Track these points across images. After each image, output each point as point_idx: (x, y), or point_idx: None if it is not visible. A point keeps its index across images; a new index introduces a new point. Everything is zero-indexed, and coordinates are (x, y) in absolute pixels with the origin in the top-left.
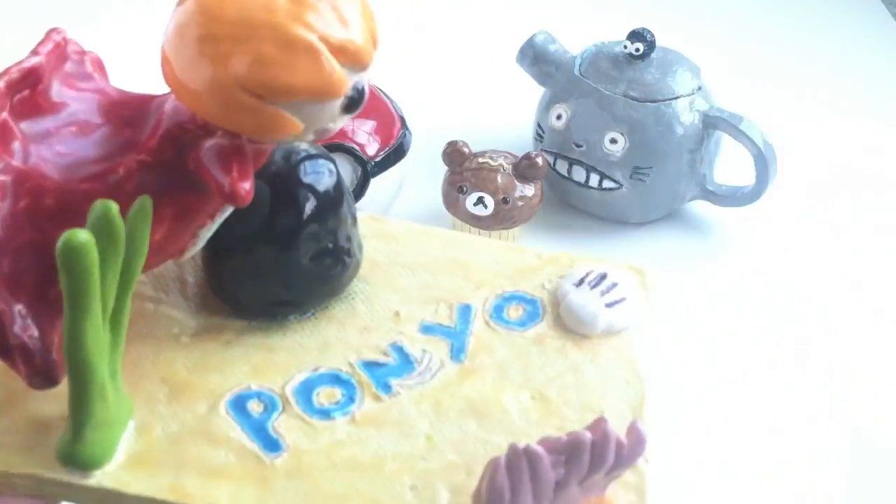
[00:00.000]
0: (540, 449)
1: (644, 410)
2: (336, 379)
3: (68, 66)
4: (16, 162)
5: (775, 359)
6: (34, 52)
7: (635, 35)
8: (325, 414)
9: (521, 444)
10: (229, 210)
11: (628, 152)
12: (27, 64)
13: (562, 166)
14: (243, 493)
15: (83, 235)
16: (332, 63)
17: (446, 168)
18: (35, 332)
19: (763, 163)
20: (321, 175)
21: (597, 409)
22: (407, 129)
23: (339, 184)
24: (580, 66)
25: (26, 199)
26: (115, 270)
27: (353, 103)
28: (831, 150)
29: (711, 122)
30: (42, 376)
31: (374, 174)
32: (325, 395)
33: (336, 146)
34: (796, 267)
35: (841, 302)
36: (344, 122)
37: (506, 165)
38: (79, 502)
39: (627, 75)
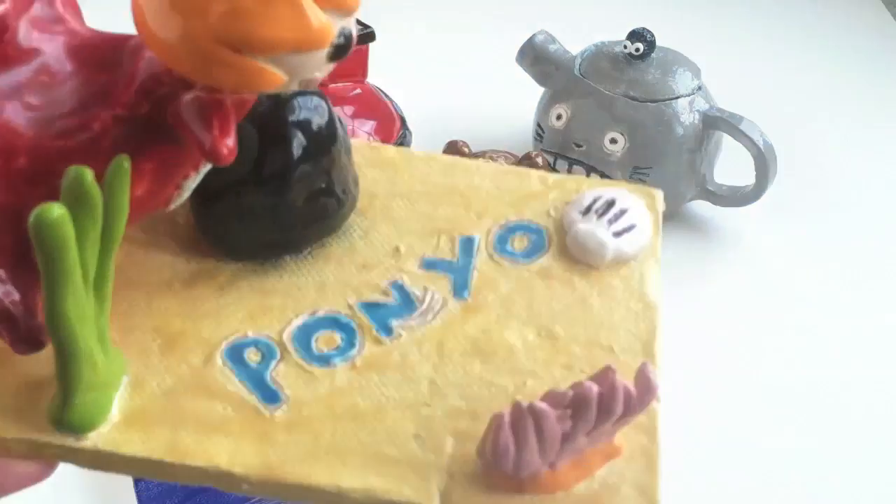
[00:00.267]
0: (545, 406)
1: (655, 345)
2: (335, 322)
3: (36, 9)
4: None
5: (775, 358)
6: None
7: (635, 35)
8: (324, 360)
9: (526, 403)
10: None
11: (628, 152)
12: None
13: (562, 166)
14: (243, 450)
15: (56, 210)
16: (314, 11)
17: None
18: (17, 297)
19: (763, 163)
20: (311, 112)
21: (605, 346)
22: (407, 128)
23: (331, 120)
24: (580, 65)
25: None
26: (95, 237)
27: (340, 51)
28: (831, 150)
29: (711, 122)
30: (27, 342)
31: None
32: (325, 341)
33: None
34: (796, 267)
35: (841, 302)
36: (331, 69)
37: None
38: (76, 464)
39: (627, 75)
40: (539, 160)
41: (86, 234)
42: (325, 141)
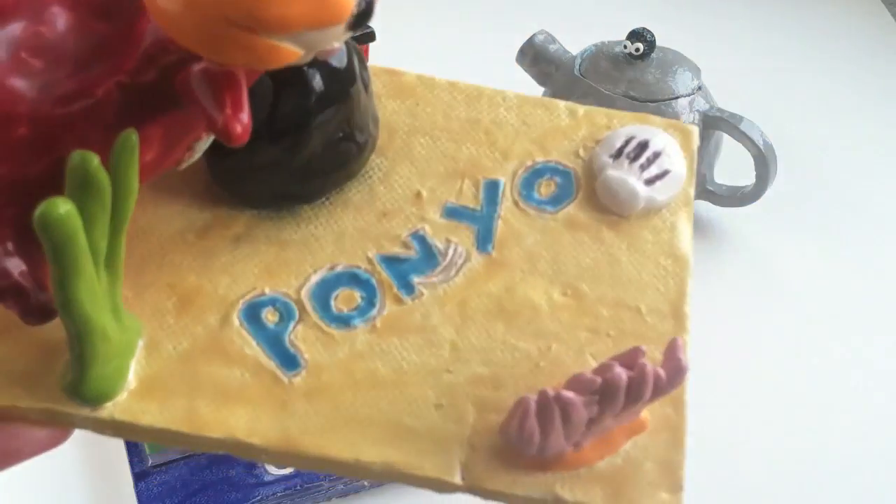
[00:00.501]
0: (572, 396)
1: (684, 306)
2: (354, 278)
3: None
4: None
5: (775, 358)
6: None
7: (635, 35)
8: (344, 322)
9: (552, 392)
10: None
11: None
12: None
13: None
14: (261, 419)
15: (62, 207)
16: None
17: None
18: (24, 268)
19: (763, 163)
20: (329, 55)
21: (632, 306)
22: None
23: (349, 57)
24: (580, 65)
25: None
26: (104, 221)
27: (361, 18)
28: (831, 150)
29: (711, 122)
30: (37, 314)
31: None
32: (344, 299)
33: None
34: (796, 266)
35: (842, 301)
36: (349, 36)
37: None
38: (93, 431)
39: (627, 75)
40: None
41: (94, 220)
42: (345, 82)
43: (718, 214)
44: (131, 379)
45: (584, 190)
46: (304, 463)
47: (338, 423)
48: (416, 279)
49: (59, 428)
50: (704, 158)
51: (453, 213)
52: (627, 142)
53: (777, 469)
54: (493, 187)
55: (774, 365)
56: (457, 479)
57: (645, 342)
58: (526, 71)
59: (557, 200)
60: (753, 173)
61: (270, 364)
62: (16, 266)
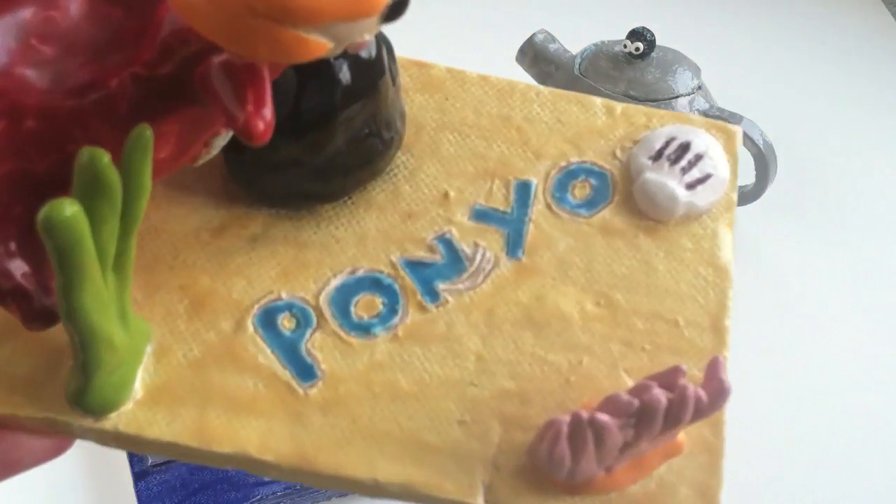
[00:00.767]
0: (607, 419)
1: (725, 320)
2: (376, 284)
3: None
4: None
5: (775, 358)
6: None
7: (635, 34)
8: (364, 329)
9: (586, 415)
10: None
11: None
12: None
13: None
14: (275, 433)
15: (68, 208)
16: None
17: None
18: (28, 270)
19: (763, 163)
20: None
21: (669, 319)
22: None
23: (379, 50)
24: (580, 65)
25: (4, 121)
26: (113, 222)
27: (396, 9)
28: (831, 150)
29: None
30: (40, 319)
31: None
32: (364, 306)
33: None
34: (796, 266)
35: (842, 301)
36: (383, 27)
37: None
38: (96, 442)
39: (627, 75)
40: None
41: (103, 221)
42: (373, 76)
43: None
44: (138, 388)
45: (620, 193)
46: (318, 480)
47: (355, 439)
48: (440, 285)
49: (61, 438)
50: None
51: (482, 215)
52: (668, 143)
53: (777, 467)
54: (524, 189)
55: (774, 365)
56: (479, 501)
57: (682, 357)
58: (526, 70)
59: (592, 204)
60: (753, 173)
61: (285, 374)
62: (18, 268)
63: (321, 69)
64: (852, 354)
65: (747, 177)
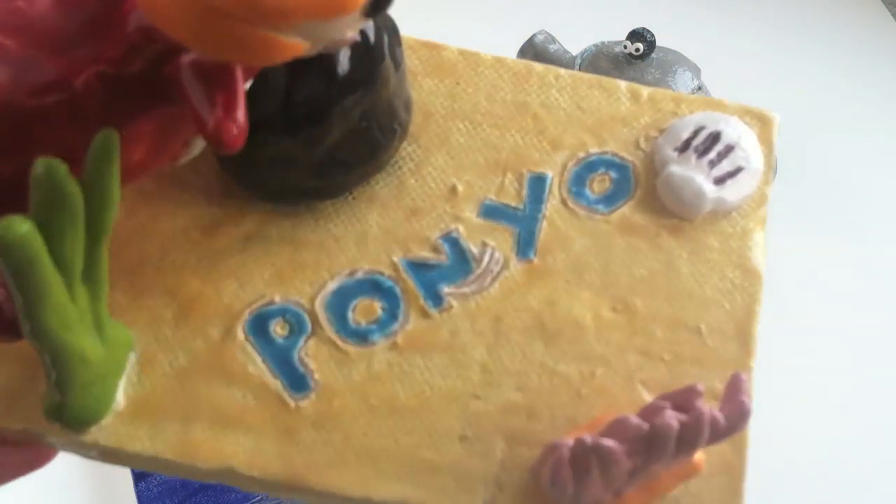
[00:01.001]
0: (613, 445)
1: (753, 328)
2: (376, 286)
3: None
4: None
5: (775, 358)
6: None
7: (635, 35)
8: (361, 337)
9: (590, 439)
10: None
11: None
12: None
13: None
14: (263, 449)
15: (21, 227)
16: None
17: None
18: None
19: None
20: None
21: (692, 326)
22: None
23: (378, 34)
24: (580, 65)
25: None
26: (76, 234)
27: (380, 3)
28: (831, 150)
29: None
30: (12, 331)
31: None
32: (363, 311)
33: None
34: (796, 266)
35: (842, 301)
36: (365, 24)
37: None
38: (78, 454)
39: (627, 75)
40: None
41: (64, 234)
42: (372, 62)
43: None
44: (120, 399)
45: (642, 188)
46: (308, 497)
47: (348, 456)
48: (445, 289)
49: (40, 449)
50: None
51: (492, 211)
52: (696, 133)
53: (778, 470)
54: (538, 183)
55: (774, 364)
56: None
57: (703, 368)
58: None
59: (612, 199)
60: None
61: (276, 385)
62: None
63: (313, 59)
64: (850, 352)
65: None
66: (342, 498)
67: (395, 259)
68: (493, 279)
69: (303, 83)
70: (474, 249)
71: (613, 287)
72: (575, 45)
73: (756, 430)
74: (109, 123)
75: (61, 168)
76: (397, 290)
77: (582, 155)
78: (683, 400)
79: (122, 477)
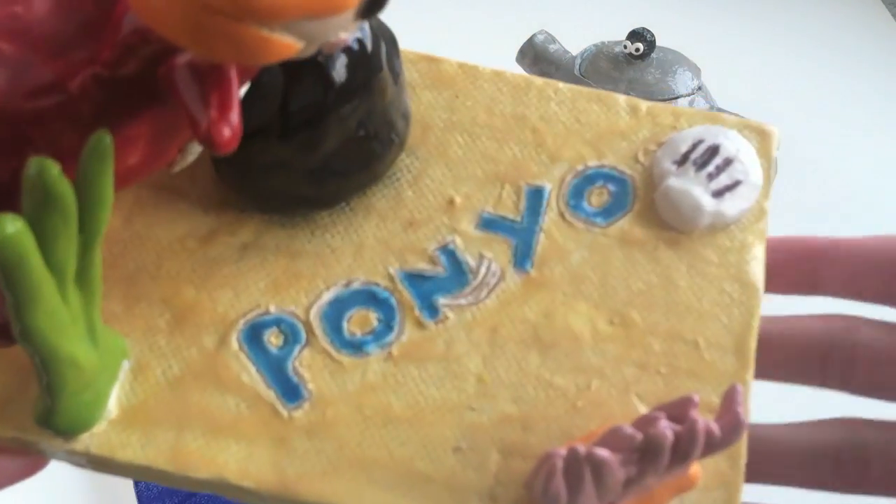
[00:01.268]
0: (607, 455)
1: (750, 341)
2: (371, 297)
3: None
4: None
5: None
6: None
7: (635, 35)
8: (356, 347)
9: (583, 449)
10: None
11: None
12: None
13: None
14: (256, 458)
15: (10, 226)
16: None
17: None
18: None
19: None
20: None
21: (689, 339)
22: None
23: (376, 44)
24: (580, 66)
25: None
26: (69, 235)
27: (374, 4)
28: (831, 150)
29: None
30: (3, 335)
31: None
32: (358, 321)
33: None
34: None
35: (840, 302)
36: (359, 26)
37: None
38: (69, 463)
39: (627, 75)
40: None
41: (56, 236)
42: (369, 72)
43: None
44: (112, 407)
45: (641, 201)
46: None
47: (341, 466)
48: (441, 300)
49: (31, 456)
50: None
51: (489, 223)
52: (695, 146)
53: None
54: (536, 195)
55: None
56: None
57: (700, 382)
58: (526, 71)
59: (610, 212)
60: None
61: (270, 394)
62: None
63: (310, 66)
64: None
65: None
66: None
67: (392, 270)
68: (490, 291)
69: (299, 90)
70: (471, 261)
71: (611, 299)
72: (575, 45)
73: None
74: (104, 125)
75: (54, 168)
76: (393, 301)
77: (580, 168)
78: (678, 411)
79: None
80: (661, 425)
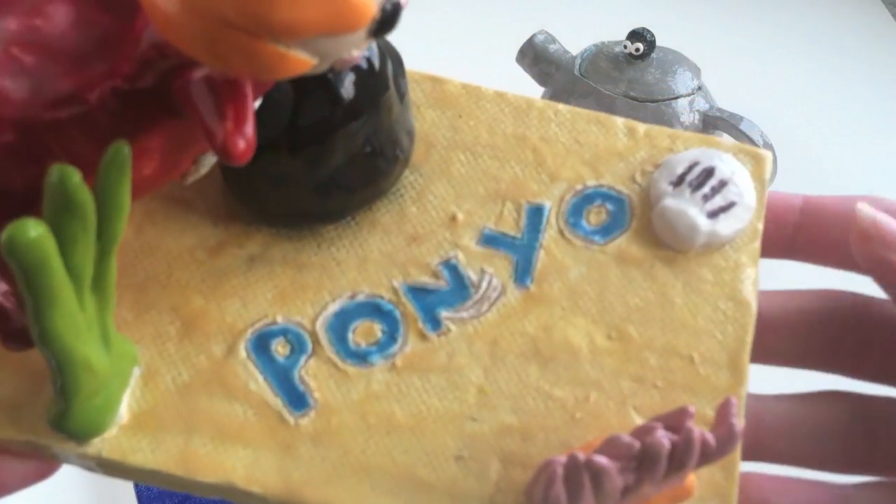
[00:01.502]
0: (605, 462)
1: (743, 357)
2: (376, 309)
3: None
4: None
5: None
6: None
7: (635, 35)
8: (361, 358)
9: (583, 456)
10: None
11: None
12: None
13: None
14: (261, 464)
15: (32, 231)
16: None
17: None
18: (6, 288)
19: None
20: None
21: (684, 354)
22: None
23: (382, 62)
24: (580, 66)
25: None
26: (87, 242)
27: (385, 24)
28: (831, 150)
29: (711, 122)
30: (19, 339)
31: None
32: (363, 332)
33: None
34: (795, 267)
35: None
36: (371, 42)
37: None
38: (80, 467)
39: (627, 75)
40: None
41: (75, 241)
42: (376, 91)
43: None
44: (123, 412)
45: (638, 220)
46: None
47: (345, 472)
48: (443, 313)
49: (44, 460)
50: None
51: (491, 240)
52: (690, 168)
53: None
54: (536, 213)
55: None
56: None
57: (696, 395)
58: (526, 71)
59: (608, 231)
60: None
61: (276, 402)
62: None
63: (319, 83)
64: None
65: None
66: None
67: (396, 283)
68: (491, 305)
69: (309, 106)
70: (473, 276)
71: (608, 315)
72: (575, 45)
73: None
74: (121, 136)
75: (75, 175)
76: (397, 313)
77: (579, 187)
78: (674, 421)
79: None
80: (657, 434)
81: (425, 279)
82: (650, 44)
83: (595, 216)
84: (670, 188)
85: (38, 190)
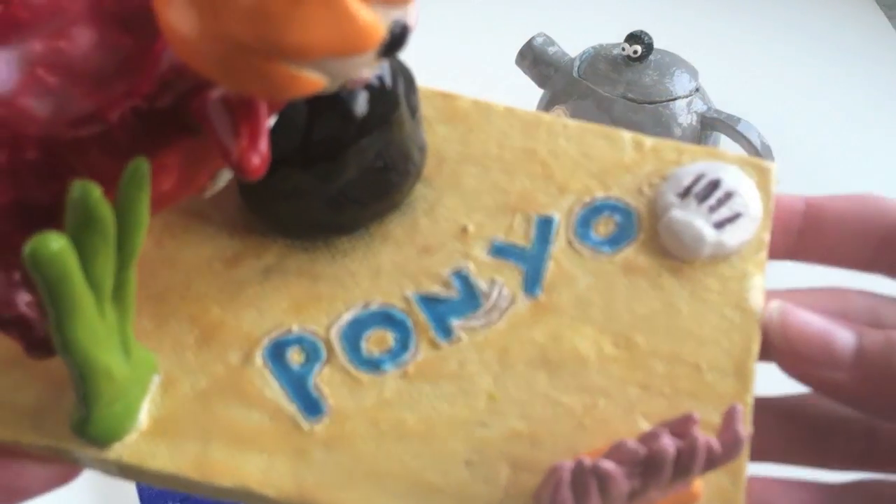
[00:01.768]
0: (612, 467)
1: (749, 365)
2: (388, 319)
3: None
4: None
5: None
6: None
7: (633, 37)
8: (373, 365)
9: (589, 462)
10: None
11: None
12: None
13: None
14: (277, 468)
15: (54, 244)
16: (357, 8)
17: None
18: (31, 299)
19: None
20: (358, 84)
21: (691, 362)
22: None
23: (394, 81)
24: (579, 67)
25: (6, 152)
26: (108, 254)
27: (394, 45)
28: (828, 151)
29: (709, 124)
30: (43, 348)
31: None
32: (375, 341)
33: None
34: (795, 267)
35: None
36: (382, 62)
37: None
38: (100, 471)
39: (626, 77)
40: None
41: (96, 254)
42: (387, 107)
43: None
44: (143, 418)
45: (645, 231)
46: None
47: (357, 476)
48: (454, 322)
49: (66, 466)
50: None
51: (501, 250)
52: (697, 180)
53: None
54: (546, 224)
55: (774, 366)
56: None
57: (702, 403)
58: (525, 73)
59: (616, 241)
60: None
61: (291, 408)
62: (22, 297)
63: (332, 101)
64: None
65: None
66: None
67: (408, 293)
68: (501, 314)
69: (322, 123)
70: (483, 286)
71: (616, 324)
72: (574, 47)
73: None
74: (141, 153)
75: (95, 191)
76: (409, 322)
77: (588, 199)
78: (680, 427)
79: None
80: (663, 440)
81: (437, 289)
82: (648, 46)
83: (603, 227)
84: (677, 200)
85: (60, 205)
